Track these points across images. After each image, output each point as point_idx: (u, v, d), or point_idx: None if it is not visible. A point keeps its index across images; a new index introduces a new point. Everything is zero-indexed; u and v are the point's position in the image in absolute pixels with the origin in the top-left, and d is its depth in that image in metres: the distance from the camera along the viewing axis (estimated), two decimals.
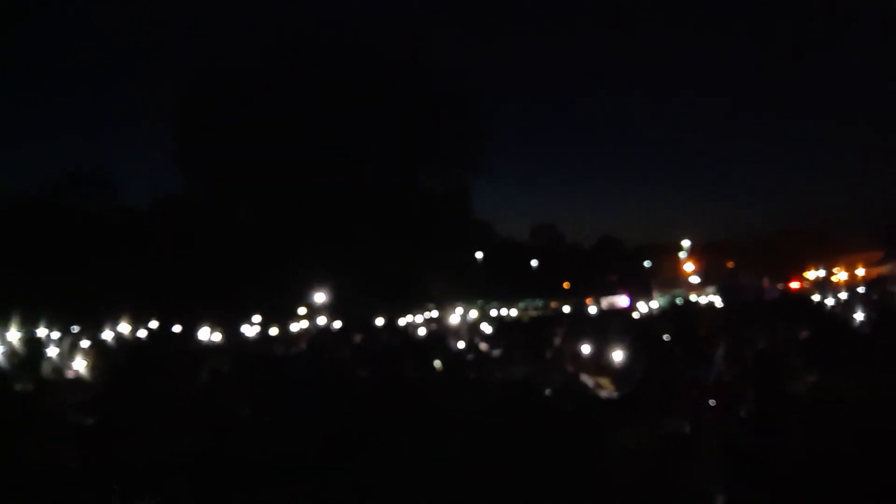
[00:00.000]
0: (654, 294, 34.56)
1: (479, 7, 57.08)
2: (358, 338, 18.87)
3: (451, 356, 15.49)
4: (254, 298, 25.62)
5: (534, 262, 41.60)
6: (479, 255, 38.14)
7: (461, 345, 17.83)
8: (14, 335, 19.79)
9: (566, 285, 38.46)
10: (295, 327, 24.56)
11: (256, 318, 24.86)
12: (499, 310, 31.32)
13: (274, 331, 23.52)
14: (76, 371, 15.23)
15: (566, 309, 30.10)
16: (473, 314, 28.15)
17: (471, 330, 21.94)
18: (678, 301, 30.24)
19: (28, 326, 20.80)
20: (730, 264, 38.96)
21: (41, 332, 21.11)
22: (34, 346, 18.89)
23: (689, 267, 37.44)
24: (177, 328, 23.19)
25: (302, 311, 26.48)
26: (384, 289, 27.68)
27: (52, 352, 17.53)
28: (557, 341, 16.28)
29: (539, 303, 35.29)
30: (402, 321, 24.88)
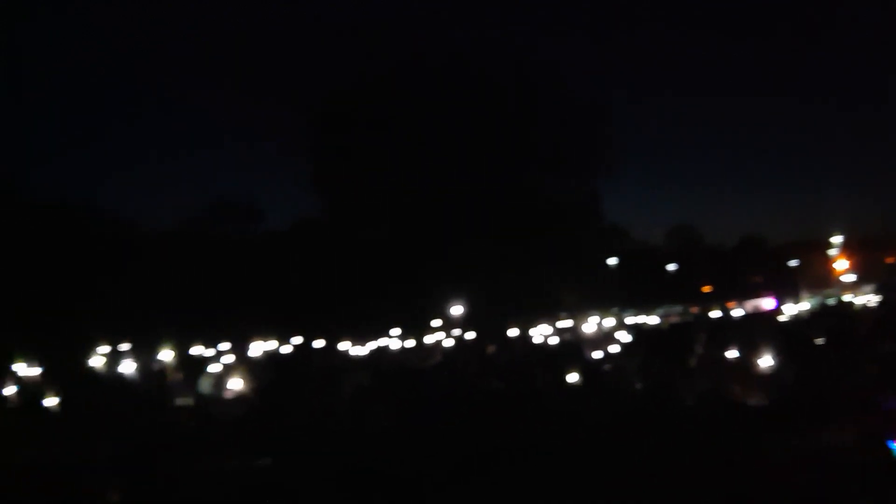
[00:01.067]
0: (803, 295, 32.58)
1: (601, 8, 56.10)
2: (491, 349, 18.94)
3: (587, 366, 15.22)
4: (390, 312, 26.30)
5: (671, 266, 40.20)
6: (612, 261, 37.31)
7: (597, 354, 17.49)
8: (170, 354, 21.26)
9: (707, 289, 36.90)
10: (430, 340, 24.97)
11: (394, 332, 25.46)
12: (635, 317, 30.49)
13: (410, 343, 24.02)
14: (231, 386, 16.14)
15: (713, 314, 28.86)
16: (609, 322, 27.55)
17: (607, 339, 21.47)
18: (830, 302, 28.32)
19: (184, 345, 22.29)
20: (890, 260, 36.09)
21: (196, 350, 22.58)
22: (191, 364, 20.26)
23: (841, 265, 34.96)
24: (319, 343, 24.10)
25: (436, 323, 26.88)
26: (516, 300, 27.64)
27: (209, 368, 18.67)
28: (700, 348, 15.66)
29: (678, 308, 34.06)
30: (534, 332, 24.72)
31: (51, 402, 13.70)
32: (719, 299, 33.19)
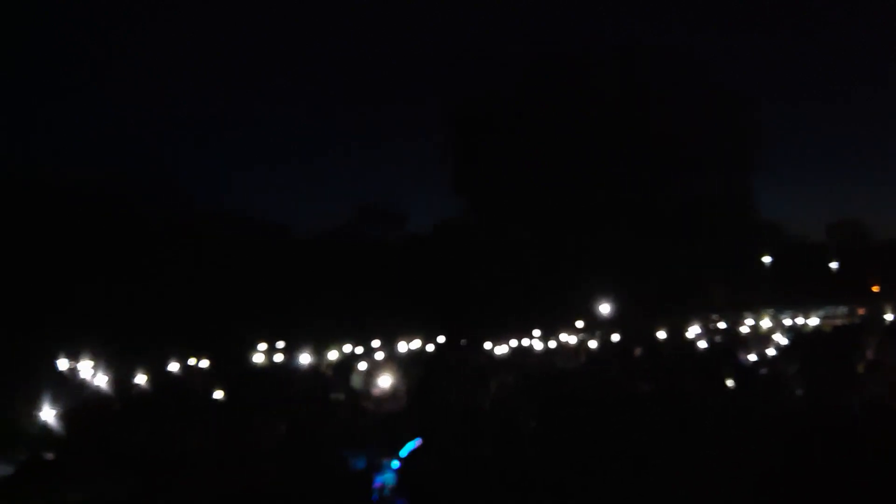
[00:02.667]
0: None
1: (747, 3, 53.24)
2: (637, 351, 18.47)
3: (741, 370, 14.54)
4: (533, 312, 26.30)
5: (833, 264, 37.51)
6: (767, 259, 35.35)
7: (752, 358, 16.66)
8: (322, 352, 22.31)
9: (876, 288, 34.12)
10: (573, 340, 24.73)
11: (537, 332, 25.42)
12: (793, 318, 28.72)
13: (553, 344, 23.90)
14: (380, 383, 16.74)
15: (885, 316, 26.67)
16: (765, 323, 26.14)
17: (762, 341, 20.40)
18: None
19: (337, 343, 23.34)
20: None
21: (347, 348, 23.61)
22: (344, 361, 21.21)
23: None
24: (463, 342, 24.50)
25: (579, 324, 26.58)
26: (665, 300, 26.83)
27: (360, 366, 19.46)
28: (870, 353, 14.56)
29: (843, 309, 31.73)
30: (684, 333, 23.87)
31: (218, 394, 14.76)
32: (891, 299, 30.60)
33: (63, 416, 13.15)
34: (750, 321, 25.73)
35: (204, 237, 29.54)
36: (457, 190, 37.24)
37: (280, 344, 23.33)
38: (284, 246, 32.34)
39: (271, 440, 11.83)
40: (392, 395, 15.81)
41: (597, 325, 25.54)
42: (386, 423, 12.86)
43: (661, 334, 22.78)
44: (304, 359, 20.54)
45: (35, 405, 13.13)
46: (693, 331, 24.81)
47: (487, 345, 23.11)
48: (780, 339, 20.58)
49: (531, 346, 24.22)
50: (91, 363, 18.02)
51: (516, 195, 34.27)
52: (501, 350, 22.96)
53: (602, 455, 9.20)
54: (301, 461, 10.48)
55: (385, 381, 16.56)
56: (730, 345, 20.09)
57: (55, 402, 13.17)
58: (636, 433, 9.67)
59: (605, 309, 25.90)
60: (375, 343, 24.34)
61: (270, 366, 20.81)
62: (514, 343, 23.91)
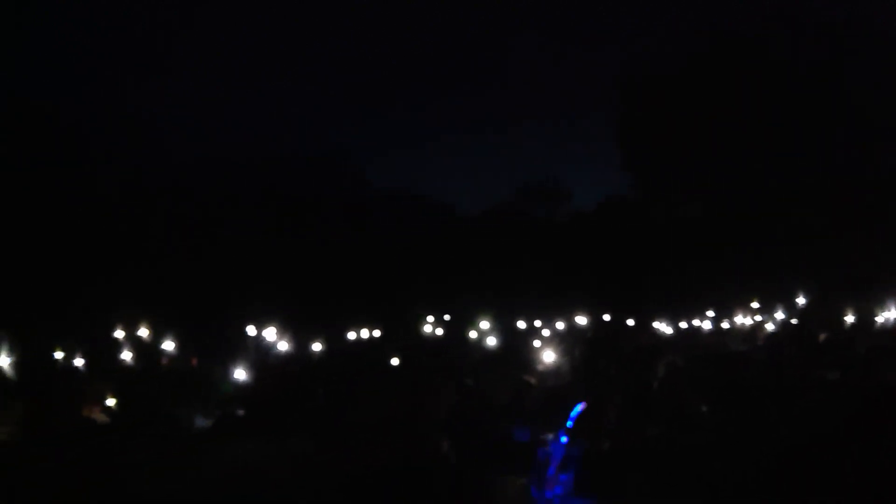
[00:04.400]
0: None
1: None
2: (822, 336, 17.20)
3: None
4: (704, 292, 25.29)
5: None
6: None
7: None
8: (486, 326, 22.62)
9: None
10: (748, 322, 23.48)
11: (710, 313, 24.39)
12: None
13: (726, 325, 22.85)
14: (545, 359, 16.78)
15: None
16: None
17: None
18: None
19: (501, 319, 23.58)
20: None
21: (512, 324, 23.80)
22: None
23: None
24: (630, 321, 23.99)
25: (755, 305, 25.18)
26: (852, 282, 24.84)
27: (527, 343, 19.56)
28: None
29: None
30: (878, 319, 21.96)
31: (393, 362, 15.43)
32: None
33: (251, 378, 14.29)
34: None
35: (376, 214, 30.93)
36: (623, 165, 36.33)
37: (446, 317, 24.01)
38: (449, 224, 33.14)
39: (441, 410, 12.20)
40: (556, 371, 15.79)
41: (776, 308, 24.10)
42: (550, 398, 12.87)
43: (850, 319, 21.09)
44: (471, 334, 20.95)
45: (228, 368, 14.34)
46: (888, 317, 22.75)
47: (655, 324, 22.49)
48: None
49: (700, 327, 23.28)
50: (275, 330, 19.45)
51: (689, 171, 32.95)
52: (669, 330, 22.26)
53: (785, 446, 8.70)
54: (467, 432, 10.73)
55: (549, 358, 16.55)
56: None
57: (245, 365, 14.33)
58: (825, 424, 9.05)
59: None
60: (538, 322, 24.36)
61: (443, 337, 21.50)
62: (682, 324, 23.09)
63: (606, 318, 25.15)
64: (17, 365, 15.14)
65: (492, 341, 20.09)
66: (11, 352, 15.32)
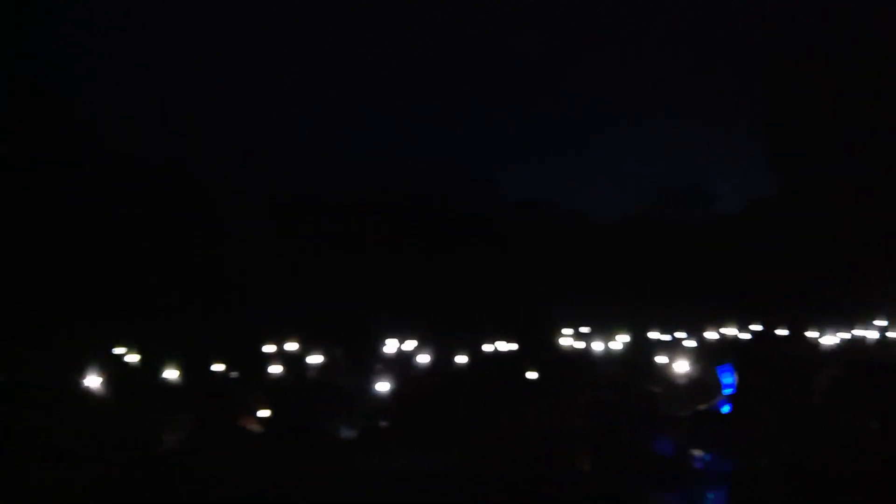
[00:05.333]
0: None
1: None
2: None
3: None
4: (867, 299, 23.42)
5: None
6: None
7: None
8: (625, 339, 22.04)
9: None
10: None
11: (879, 322, 22.57)
12: None
13: (894, 334, 21.06)
14: (679, 371, 16.14)
15: None
16: None
17: None
18: None
19: (640, 330, 22.91)
20: None
21: (652, 335, 23.03)
22: (646, 349, 20.81)
23: None
24: (783, 331, 22.68)
25: None
26: None
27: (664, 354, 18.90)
28: None
29: None
30: None
31: (530, 375, 15.34)
32: None
33: (394, 391, 14.62)
34: None
35: (508, 227, 30.92)
36: (770, 166, 34.43)
37: (584, 329, 23.59)
38: (582, 232, 32.58)
39: (575, 422, 11.99)
40: (699, 386, 15.14)
41: None
42: (698, 416, 12.33)
43: None
44: (614, 345, 20.52)
45: (371, 380, 14.75)
46: None
47: (811, 334, 21.08)
48: None
49: (864, 336, 21.56)
50: (415, 343, 19.84)
51: (835, 171, 30.75)
52: (828, 341, 20.78)
53: None
54: (606, 445, 10.50)
55: (683, 369, 15.93)
56: None
57: (387, 378, 14.68)
58: None
59: None
60: (681, 333, 23.47)
61: (580, 350, 21.17)
62: (844, 334, 21.48)
63: (757, 328, 23.85)
64: (182, 378, 16.30)
65: (628, 353, 19.60)
66: (178, 366, 16.51)
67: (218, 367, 17.81)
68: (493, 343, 21.60)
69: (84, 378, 15.47)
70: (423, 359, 19.27)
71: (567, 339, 22.84)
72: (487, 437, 12.31)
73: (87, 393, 15.26)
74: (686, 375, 15.42)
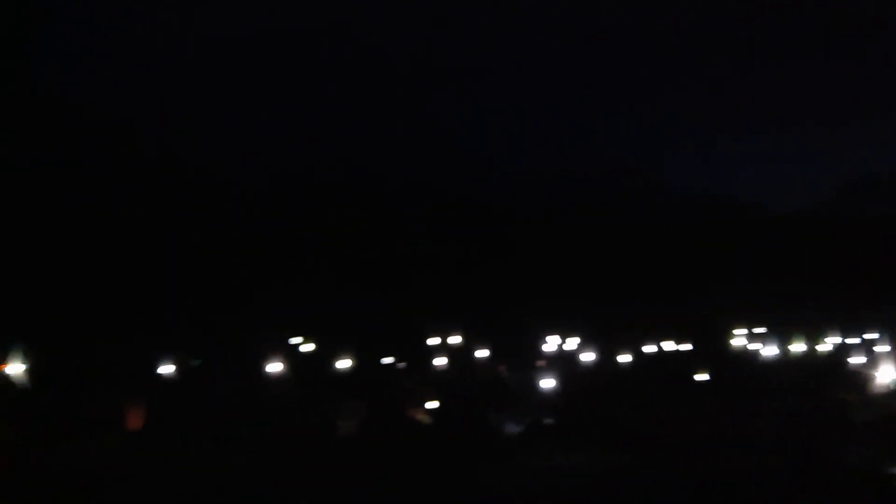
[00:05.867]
0: None
1: None
2: None
3: None
4: None
5: None
6: None
7: None
8: (800, 345, 20.59)
9: None
10: None
11: None
12: None
13: None
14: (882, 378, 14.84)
15: None
16: None
17: None
18: None
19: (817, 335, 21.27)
20: None
21: (833, 339, 21.29)
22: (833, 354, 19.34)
23: None
24: None
25: None
26: None
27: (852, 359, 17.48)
28: None
29: None
30: None
31: (701, 377, 14.70)
32: None
33: (559, 387, 14.51)
34: None
35: (676, 220, 29.68)
36: None
37: (759, 330, 22.16)
38: (760, 225, 30.63)
39: (758, 428, 11.31)
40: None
41: None
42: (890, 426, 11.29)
43: None
44: (794, 347, 19.25)
45: (534, 376, 14.72)
46: None
47: None
48: None
49: None
50: (577, 341, 19.56)
51: None
52: None
53: None
54: (798, 455, 9.82)
55: (887, 376, 14.60)
56: None
57: (552, 374, 14.61)
58: None
59: None
60: (873, 335, 21.50)
61: (755, 352, 19.98)
62: None
63: None
64: (353, 370, 17.03)
65: (812, 356, 18.28)
66: (350, 357, 17.27)
67: (387, 359, 18.42)
68: (657, 342, 20.83)
69: (266, 366, 16.47)
70: (587, 357, 18.92)
71: (740, 340, 21.56)
72: (658, 438, 11.93)
73: (269, 379, 16.24)
74: (882, 382, 14.17)
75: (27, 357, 13.39)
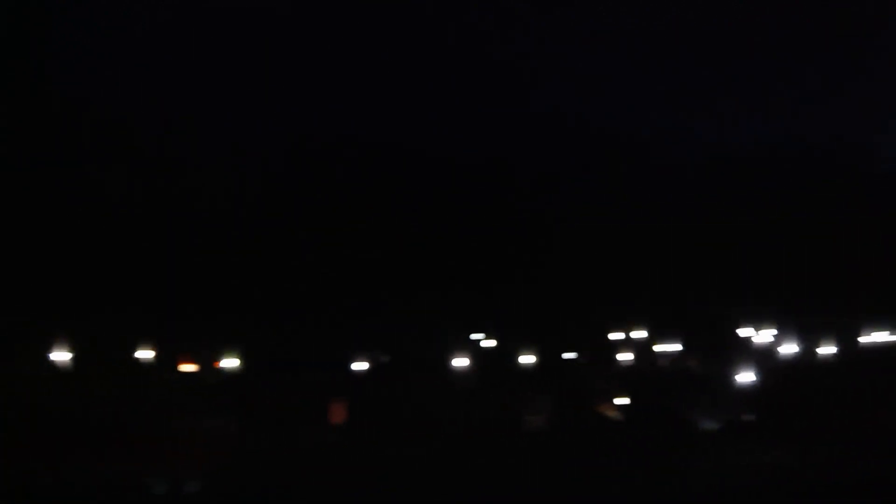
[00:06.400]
0: None
1: None
2: None
3: None
4: None
5: None
6: None
7: None
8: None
9: None
10: None
11: None
12: None
13: None
14: None
15: None
16: None
17: None
18: None
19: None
20: None
21: None
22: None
23: None
24: None
25: None
26: None
27: None
28: None
29: None
30: None
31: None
32: None
33: (759, 382, 13.78)
34: None
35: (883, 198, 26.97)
36: None
37: None
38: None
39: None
40: None
41: None
42: None
43: None
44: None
45: (731, 370, 14.08)
46: None
47: None
48: None
49: None
50: (774, 331, 18.37)
51: None
52: None
53: None
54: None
55: None
56: None
57: (750, 368, 13.91)
58: None
59: None
60: None
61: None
62: None
63: None
64: (537, 363, 17.00)
65: None
66: (533, 352, 17.29)
67: (569, 354, 18.23)
68: (868, 332, 19.04)
69: (449, 360, 16.87)
70: (787, 349, 17.64)
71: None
72: (865, 437, 11.03)
73: (453, 374, 16.63)
74: None
75: (238, 354, 14.62)
